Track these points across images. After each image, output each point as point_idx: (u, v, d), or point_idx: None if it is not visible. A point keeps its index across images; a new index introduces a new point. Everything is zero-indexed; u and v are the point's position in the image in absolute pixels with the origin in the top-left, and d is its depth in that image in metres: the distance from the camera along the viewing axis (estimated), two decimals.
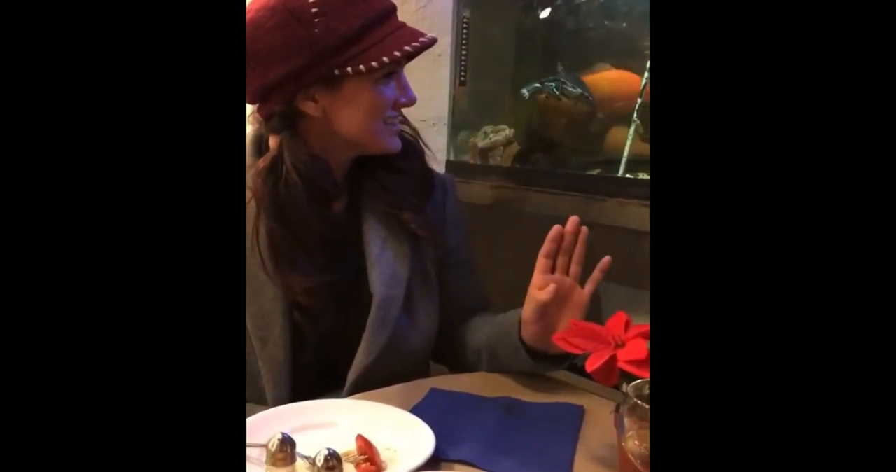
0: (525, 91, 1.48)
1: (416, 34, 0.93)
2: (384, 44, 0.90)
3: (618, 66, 1.43)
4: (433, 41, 0.94)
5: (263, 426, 0.71)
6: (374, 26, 0.91)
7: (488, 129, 1.60)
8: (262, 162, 0.93)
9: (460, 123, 1.65)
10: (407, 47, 0.91)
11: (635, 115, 1.32)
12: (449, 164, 1.61)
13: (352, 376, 0.97)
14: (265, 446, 0.56)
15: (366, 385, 0.96)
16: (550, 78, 1.43)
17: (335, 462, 0.53)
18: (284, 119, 0.94)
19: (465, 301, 1.10)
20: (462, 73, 1.58)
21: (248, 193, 0.93)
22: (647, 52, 1.33)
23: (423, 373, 1.05)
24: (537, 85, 1.45)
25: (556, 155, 1.50)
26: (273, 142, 0.96)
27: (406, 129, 1.03)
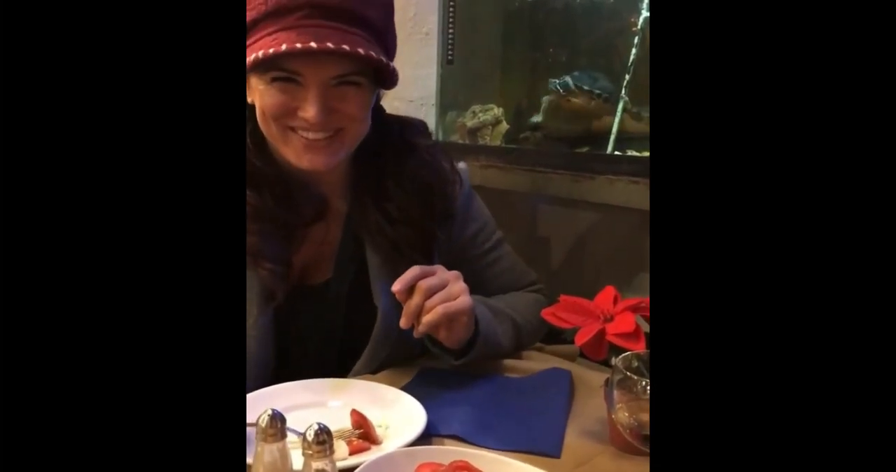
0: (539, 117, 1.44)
1: (302, 38, 0.79)
2: (253, 47, 0.82)
3: (605, 42, 1.42)
4: (301, 50, 0.79)
5: (254, 406, 0.71)
6: (266, 21, 0.83)
7: (477, 108, 1.60)
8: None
9: (448, 102, 1.64)
10: (260, 53, 0.79)
11: (623, 91, 1.32)
12: None
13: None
14: (255, 423, 0.56)
15: None
16: (565, 77, 1.41)
17: (326, 437, 0.53)
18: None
19: (505, 285, 1.08)
20: (449, 52, 1.57)
21: None
22: (634, 28, 1.33)
23: None
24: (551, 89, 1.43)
25: (544, 133, 1.50)
26: None
27: (432, 160, 0.98)
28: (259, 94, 0.86)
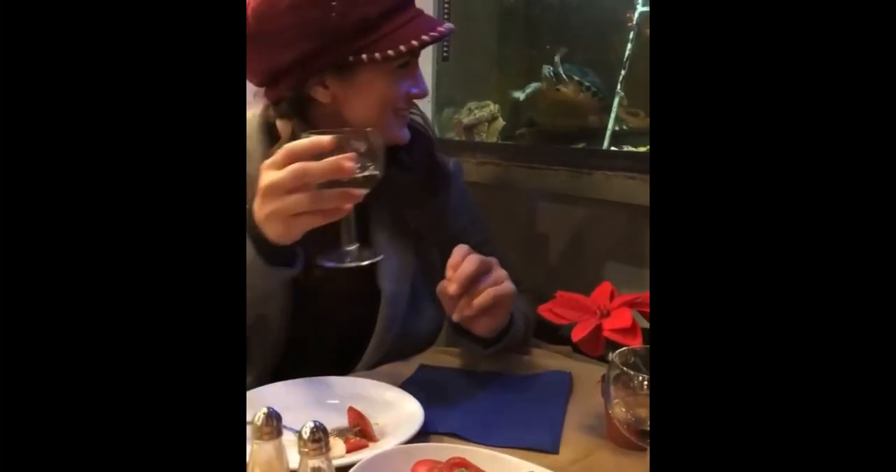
0: (521, 94, 1.46)
1: (433, 23, 0.91)
2: (401, 32, 0.88)
3: (601, 38, 1.42)
4: (451, 31, 0.92)
5: (250, 404, 0.71)
6: (392, 14, 0.88)
7: (472, 105, 1.60)
8: (274, 150, 0.92)
9: (444, 99, 1.64)
10: (425, 37, 0.88)
11: (619, 87, 1.32)
12: None
13: (360, 369, 0.97)
14: (251, 421, 0.56)
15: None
16: (552, 68, 1.41)
17: (321, 435, 0.53)
18: (294, 104, 0.93)
19: None
20: (445, 49, 1.56)
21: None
22: (629, 24, 1.33)
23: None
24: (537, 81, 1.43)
25: (540, 129, 1.49)
26: (281, 126, 0.95)
27: (417, 119, 1.02)
28: (379, 83, 0.91)
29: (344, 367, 0.97)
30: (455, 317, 0.84)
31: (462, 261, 0.83)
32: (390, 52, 0.86)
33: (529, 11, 1.64)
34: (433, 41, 0.90)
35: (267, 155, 0.82)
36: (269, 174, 0.74)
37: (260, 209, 0.76)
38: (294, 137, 0.89)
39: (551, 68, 1.39)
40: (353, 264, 0.79)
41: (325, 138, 0.72)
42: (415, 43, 0.88)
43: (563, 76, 1.37)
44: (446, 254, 0.90)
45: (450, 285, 0.82)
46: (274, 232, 0.77)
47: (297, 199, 0.73)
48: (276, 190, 0.73)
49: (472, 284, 0.83)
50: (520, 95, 1.43)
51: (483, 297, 0.82)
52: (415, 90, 0.95)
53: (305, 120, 0.94)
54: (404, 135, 0.97)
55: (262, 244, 0.79)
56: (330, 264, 0.79)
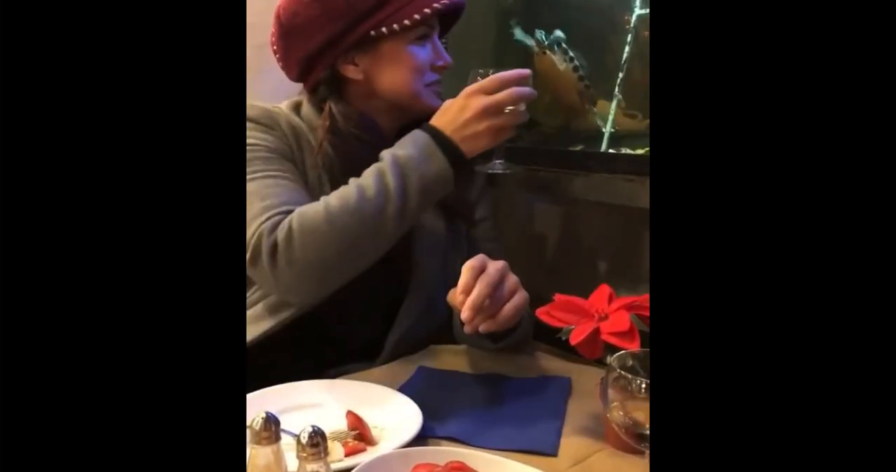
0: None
1: None
2: (415, 3, 0.97)
3: (598, 39, 1.42)
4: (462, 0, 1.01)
5: (249, 408, 0.71)
6: None
7: None
8: (324, 120, 1.00)
9: (442, 100, 1.63)
10: (436, 5, 0.97)
11: (617, 89, 1.32)
12: None
13: (391, 339, 1.01)
14: (249, 425, 0.56)
15: (403, 350, 1.00)
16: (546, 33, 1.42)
17: (319, 439, 0.53)
18: (329, 85, 1.01)
19: None
20: None
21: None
22: (627, 26, 1.33)
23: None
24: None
25: (538, 131, 1.49)
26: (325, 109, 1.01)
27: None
28: (403, 54, 0.99)
29: (375, 335, 1.01)
30: (468, 330, 0.82)
31: (474, 282, 0.80)
32: (406, 21, 0.96)
33: (527, 13, 1.63)
34: (444, 9, 0.98)
35: (322, 127, 0.99)
36: (481, 98, 0.89)
37: (472, 126, 0.89)
38: (332, 116, 1.01)
39: (545, 33, 1.40)
40: (500, 172, 0.96)
41: (526, 71, 0.92)
42: (427, 10, 0.96)
43: (554, 43, 1.38)
44: (478, 247, 1.01)
45: (463, 312, 0.79)
46: (478, 145, 0.91)
47: (511, 115, 0.90)
48: (496, 108, 0.89)
49: (489, 288, 0.81)
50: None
51: (503, 317, 0.81)
52: (439, 62, 1.03)
53: (343, 99, 1.01)
54: (439, 105, 0.99)
55: (456, 158, 0.91)
56: (490, 171, 0.96)
